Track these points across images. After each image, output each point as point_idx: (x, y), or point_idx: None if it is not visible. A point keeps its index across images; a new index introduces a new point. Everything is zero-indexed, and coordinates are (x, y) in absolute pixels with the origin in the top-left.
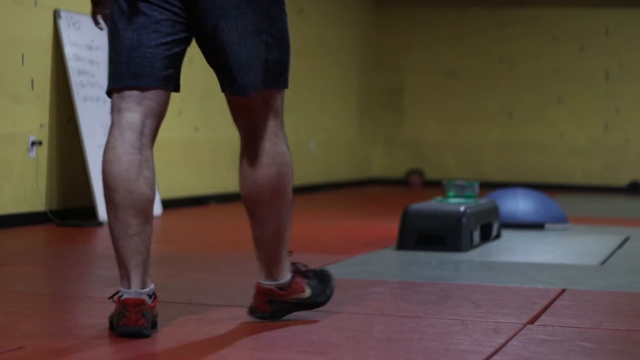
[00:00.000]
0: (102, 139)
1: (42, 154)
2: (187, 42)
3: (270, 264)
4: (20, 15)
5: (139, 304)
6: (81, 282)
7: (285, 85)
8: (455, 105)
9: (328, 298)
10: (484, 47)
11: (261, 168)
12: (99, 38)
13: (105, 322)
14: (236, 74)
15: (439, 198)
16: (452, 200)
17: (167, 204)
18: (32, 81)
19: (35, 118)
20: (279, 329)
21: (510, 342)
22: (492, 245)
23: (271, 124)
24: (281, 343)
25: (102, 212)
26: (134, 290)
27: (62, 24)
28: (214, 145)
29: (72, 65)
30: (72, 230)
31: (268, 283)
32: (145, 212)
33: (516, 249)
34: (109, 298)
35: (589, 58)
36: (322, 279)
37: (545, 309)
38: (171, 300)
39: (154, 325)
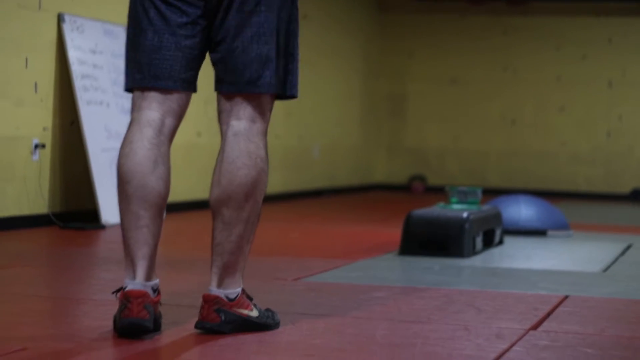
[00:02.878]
0: (105, 143)
1: (45, 157)
2: (207, 45)
3: (224, 272)
4: (24, 18)
5: (141, 295)
6: (84, 284)
7: (291, 92)
8: (458, 112)
9: (277, 324)
10: (487, 54)
11: (241, 168)
12: (103, 42)
13: (107, 325)
14: (247, 71)
15: (442, 204)
16: (455, 207)
17: (169, 208)
18: (35, 84)
19: (38, 121)
20: (283, 333)
21: (513, 348)
22: (495, 251)
23: (258, 128)
24: (285, 347)
25: (104, 215)
26: (139, 282)
27: (66, 27)
28: (216, 149)
29: (75, 69)
30: (74, 232)
31: (217, 291)
32: (156, 206)
33: (518, 256)
34: (113, 293)
35: (592, 66)
36: (267, 309)
37: (548, 315)
38: (174, 303)
39: (157, 327)
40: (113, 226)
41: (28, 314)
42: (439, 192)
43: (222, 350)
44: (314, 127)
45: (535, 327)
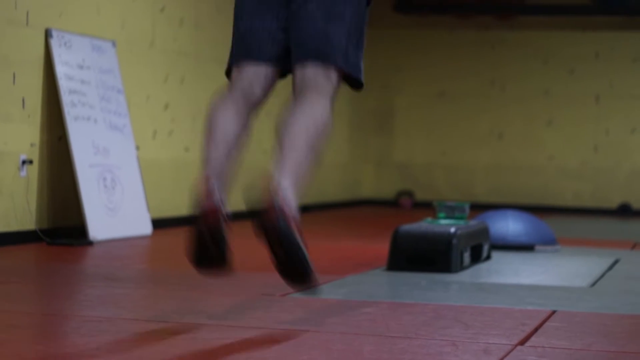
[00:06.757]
0: (93, 158)
1: (32, 173)
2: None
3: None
4: (11, 34)
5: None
6: (71, 300)
7: (356, 74)
8: (445, 127)
9: None
10: (474, 68)
11: (314, 107)
12: (90, 58)
13: (95, 341)
14: (325, 45)
15: (429, 219)
16: (443, 222)
17: (157, 224)
18: (23, 100)
19: (26, 137)
20: (270, 349)
21: None
22: (483, 266)
23: (329, 92)
24: None
25: (92, 231)
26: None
27: (54, 43)
28: None
29: (63, 84)
30: (62, 249)
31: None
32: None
33: (506, 271)
34: None
35: (579, 81)
36: None
37: (536, 330)
38: (162, 320)
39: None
40: (100, 242)
41: (14, 331)
42: (426, 207)
43: None
44: None
45: (522, 342)
